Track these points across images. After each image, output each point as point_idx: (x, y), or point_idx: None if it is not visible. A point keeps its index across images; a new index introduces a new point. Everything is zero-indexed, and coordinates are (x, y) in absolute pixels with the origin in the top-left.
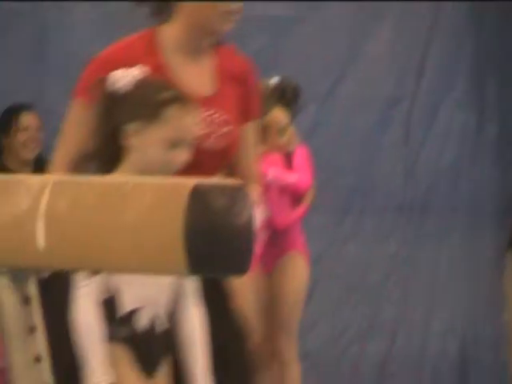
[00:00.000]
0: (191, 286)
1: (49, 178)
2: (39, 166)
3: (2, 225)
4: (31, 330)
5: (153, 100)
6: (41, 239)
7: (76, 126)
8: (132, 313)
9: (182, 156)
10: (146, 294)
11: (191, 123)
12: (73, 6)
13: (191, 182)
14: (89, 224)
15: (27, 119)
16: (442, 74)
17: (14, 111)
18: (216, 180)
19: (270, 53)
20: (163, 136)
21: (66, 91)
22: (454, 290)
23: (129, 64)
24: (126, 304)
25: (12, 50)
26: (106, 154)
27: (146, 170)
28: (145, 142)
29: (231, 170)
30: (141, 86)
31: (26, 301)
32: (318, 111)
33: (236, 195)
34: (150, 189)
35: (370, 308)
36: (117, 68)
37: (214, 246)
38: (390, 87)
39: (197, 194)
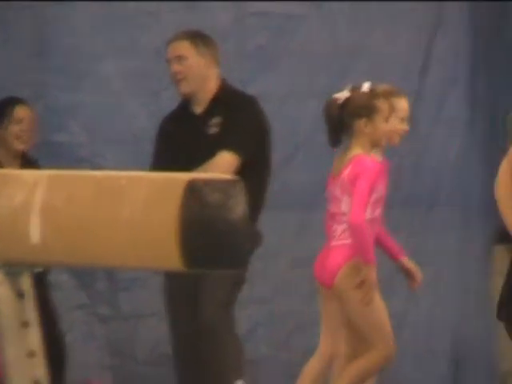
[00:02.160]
0: None
1: (44, 173)
2: (26, 161)
3: None
4: (25, 324)
5: None
6: (35, 234)
7: None
8: None
9: None
10: None
11: None
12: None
13: (186, 176)
14: (84, 219)
15: (21, 112)
16: (446, 70)
17: (7, 103)
18: (210, 175)
19: (271, 50)
20: None
21: (66, 87)
22: (451, 287)
23: None
24: None
25: (12, 44)
26: None
27: None
28: None
29: None
30: None
31: (20, 295)
32: (319, 107)
33: (230, 190)
34: (145, 183)
35: None
36: None
37: (208, 241)
38: (394, 83)
39: (192, 188)
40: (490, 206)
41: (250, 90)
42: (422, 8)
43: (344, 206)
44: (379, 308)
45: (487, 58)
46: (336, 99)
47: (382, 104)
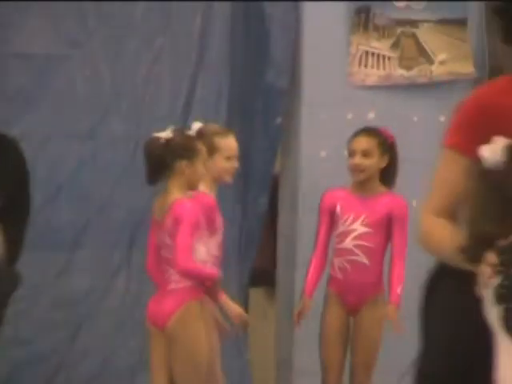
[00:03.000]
0: None
1: None
2: None
3: None
4: None
5: None
6: None
7: (448, 176)
8: None
9: None
10: None
11: None
12: None
13: None
14: None
15: None
16: (207, 110)
17: None
18: None
19: (31, 91)
20: None
21: None
22: None
23: (497, 107)
24: None
25: None
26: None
27: None
28: None
29: None
30: None
31: None
32: (81, 148)
33: None
34: None
35: (138, 342)
36: (486, 112)
37: None
38: (157, 123)
39: None
40: (246, 248)
41: (13, 131)
42: (184, 46)
43: None
44: (205, 360)
45: (244, 99)
46: (158, 138)
47: (202, 147)
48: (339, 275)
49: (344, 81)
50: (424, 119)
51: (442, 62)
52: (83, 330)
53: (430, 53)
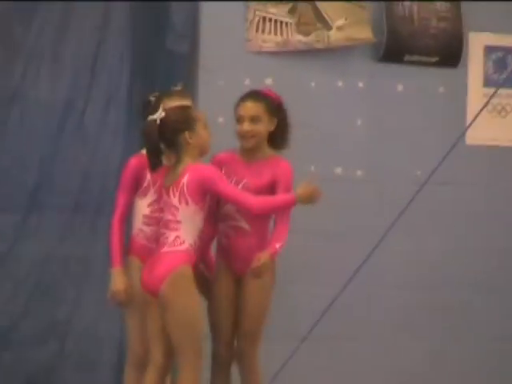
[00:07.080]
0: None
1: None
2: None
3: None
4: None
5: None
6: None
7: None
8: None
9: None
10: None
11: None
12: None
13: None
14: None
15: None
16: (112, 75)
17: None
18: None
19: None
20: None
21: None
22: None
23: None
24: None
25: None
26: None
27: None
28: None
29: None
30: None
31: None
32: (2, 113)
33: None
34: None
35: (45, 309)
36: None
37: None
38: (65, 89)
39: None
40: None
41: None
42: (90, 12)
43: (181, 214)
44: (201, 324)
45: (147, 64)
46: (154, 120)
47: (196, 112)
48: (224, 241)
49: (242, 47)
50: (322, 84)
51: (339, 28)
52: None
53: (327, 18)
